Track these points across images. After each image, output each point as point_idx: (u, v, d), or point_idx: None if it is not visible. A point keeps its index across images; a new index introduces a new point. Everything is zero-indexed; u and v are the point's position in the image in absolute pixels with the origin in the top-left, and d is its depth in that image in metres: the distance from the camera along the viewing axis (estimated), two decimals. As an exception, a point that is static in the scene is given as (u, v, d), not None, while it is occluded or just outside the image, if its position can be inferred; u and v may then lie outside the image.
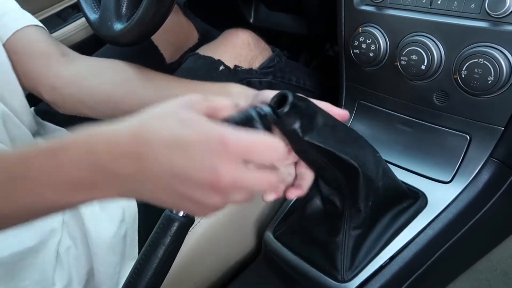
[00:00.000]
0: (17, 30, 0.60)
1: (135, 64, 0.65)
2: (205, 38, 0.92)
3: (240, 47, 0.76)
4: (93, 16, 0.71)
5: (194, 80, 0.63)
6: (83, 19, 1.10)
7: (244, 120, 0.36)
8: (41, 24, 0.65)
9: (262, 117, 0.37)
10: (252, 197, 0.35)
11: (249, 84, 0.75)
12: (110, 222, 0.58)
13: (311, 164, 0.49)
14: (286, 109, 0.40)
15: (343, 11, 0.64)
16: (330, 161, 0.48)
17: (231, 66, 0.73)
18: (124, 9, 0.65)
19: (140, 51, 0.82)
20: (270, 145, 0.33)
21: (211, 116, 0.34)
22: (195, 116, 0.32)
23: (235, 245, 0.72)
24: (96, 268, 0.56)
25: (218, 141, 0.31)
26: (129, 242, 0.61)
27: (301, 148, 0.46)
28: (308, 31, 0.93)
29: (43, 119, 0.72)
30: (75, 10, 1.15)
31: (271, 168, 0.35)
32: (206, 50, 0.75)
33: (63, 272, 0.55)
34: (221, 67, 0.72)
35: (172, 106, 0.33)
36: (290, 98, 0.41)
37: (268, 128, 0.38)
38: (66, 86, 0.63)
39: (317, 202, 0.58)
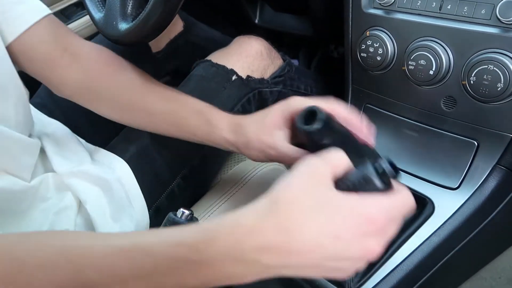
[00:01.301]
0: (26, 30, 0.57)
1: (133, 78, 0.63)
2: (190, 27, 0.92)
3: (253, 57, 0.75)
4: (98, 15, 0.70)
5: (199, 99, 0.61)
6: (87, 17, 1.10)
7: (362, 181, 0.35)
8: (47, 12, 0.60)
9: (381, 174, 0.35)
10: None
11: (260, 94, 0.75)
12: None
13: None
14: (319, 125, 0.43)
15: (350, 14, 0.63)
16: None
17: (244, 76, 0.73)
18: (129, 8, 0.65)
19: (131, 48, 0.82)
20: (405, 201, 0.35)
21: None
22: (330, 194, 0.33)
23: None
24: None
25: (366, 221, 0.32)
26: None
27: None
28: (313, 32, 0.92)
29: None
30: (79, 8, 1.14)
31: None
32: (218, 58, 0.74)
33: None
34: (234, 77, 0.72)
35: (301, 184, 0.33)
36: (321, 115, 0.43)
37: (387, 183, 0.35)
38: (71, 92, 0.62)
39: None
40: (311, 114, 0.45)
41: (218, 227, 0.33)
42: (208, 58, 0.75)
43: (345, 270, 0.34)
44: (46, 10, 0.59)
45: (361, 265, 0.33)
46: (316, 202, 0.32)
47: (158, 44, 0.89)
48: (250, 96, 0.73)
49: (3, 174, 0.53)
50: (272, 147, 0.51)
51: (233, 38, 0.81)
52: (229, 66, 0.72)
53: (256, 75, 0.75)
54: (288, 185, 0.34)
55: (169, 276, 0.33)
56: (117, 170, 0.62)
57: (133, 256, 0.33)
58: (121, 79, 0.63)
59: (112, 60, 0.64)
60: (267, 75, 0.77)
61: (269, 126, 0.51)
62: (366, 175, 0.35)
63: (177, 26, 0.91)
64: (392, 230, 0.34)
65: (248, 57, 0.75)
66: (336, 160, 0.35)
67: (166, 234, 0.34)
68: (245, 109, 0.73)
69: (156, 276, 0.33)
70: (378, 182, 0.34)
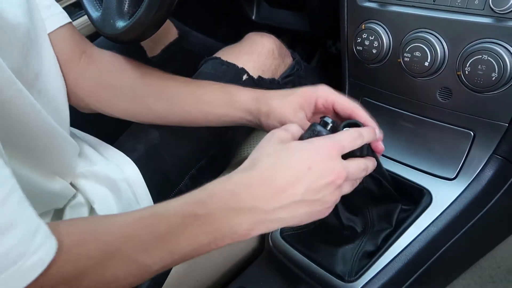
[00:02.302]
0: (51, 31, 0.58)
1: (151, 71, 0.64)
2: (184, 35, 0.91)
3: (265, 57, 0.74)
4: (95, 14, 0.70)
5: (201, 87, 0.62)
6: (85, 17, 1.10)
7: (315, 135, 0.44)
8: (69, 20, 0.62)
9: (329, 127, 0.46)
10: (355, 185, 0.46)
11: None
12: None
13: None
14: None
15: (346, 8, 0.63)
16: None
17: (255, 76, 0.72)
18: (126, 7, 0.65)
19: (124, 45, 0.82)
20: (352, 134, 0.43)
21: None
22: (295, 143, 0.43)
23: (237, 243, 0.72)
24: None
25: (324, 149, 0.40)
26: None
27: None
28: (310, 28, 0.93)
29: None
30: (77, 8, 1.14)
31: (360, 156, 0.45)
32: (228, 55, 0.73)
33: None
34: (245, 77, 0.71)
35: (273, 143, 0.42)
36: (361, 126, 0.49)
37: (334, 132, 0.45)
38: (86, 93, 0.62)
39: (334, 225, 0.59)
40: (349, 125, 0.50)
41: (216, 184, 0.40)
42: (217, 55, 0.74)
43: (323, 200, 0.41)
44: (68, 18, 0.62)
45: (334, 193, 0.41)
46: (287, 149, 0.41)
47: (153, 49, 0.89)
48: None
49: (57, 178, 0.56)
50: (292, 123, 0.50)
51: (227, 40, 0.80)
52: (240, 65, 0.71)
53: (267, 74, 0.74)
54: (262, 146, 0.43)
55: (183, 235, 0.38)
56: (125, 170, 0.63)
57: (150, 222, 0.39)
58: (138, 74, 0.63)
59: (126, 61, 0.65)
60: (278, 74, 0.76)
61: (293, 103, 0.52)
62: (315, 130, 0.44)
63: (171, 34, 0.90)
64: (351, 162, 0.43)
65: (260, 56, 0.74)
66: (294, 128, 0.45)
67: (176, 199, 0.40)
68: None
69: (171, 237, 0.38)
70: (325, 133, 0.44)
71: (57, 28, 0.59)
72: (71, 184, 0.60)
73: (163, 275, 0.60)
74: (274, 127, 0.53)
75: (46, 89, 0.54)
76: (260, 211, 0.39)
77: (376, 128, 0.49)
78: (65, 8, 1.17)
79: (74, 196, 0.60)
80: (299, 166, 0.39)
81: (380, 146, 0.49)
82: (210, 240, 0.39)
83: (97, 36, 1.02)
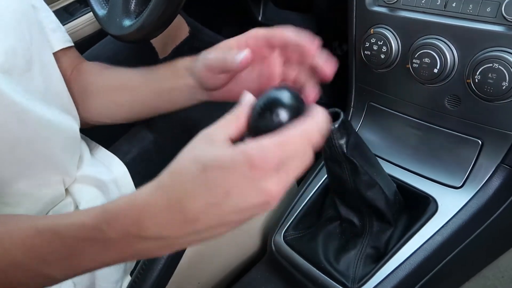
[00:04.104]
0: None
1: (118, 70, 0.63)
2: (195, 33, 0.91)
3: None
4: (101, 12, 0.70)
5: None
6: (91, 13, 1.10)
7: (269, 106, 0.33)
8: (71, 43, 0.65)
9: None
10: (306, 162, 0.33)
11: None
12: None
13: (334, 178, 0.56)
14: (337, 124, 0.49)
15: (354, 11, 0.63)
16: (355, 180, 0.54)
17: None
18: (133, 5, 0.65)
19: (135, 46, 0.82)
20: (299, 136, 0.31)
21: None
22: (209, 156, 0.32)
23: (239, 246, 0.72)
24: (97, 284, 0.56)
25: (251, 167, 0.30)
26: None
27: (334, 161, 0.53)
28: (317, 30, 0.92)
29: None
30: (83, 4, 1.14)
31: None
32: None
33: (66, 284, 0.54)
34: None
35: (184, 159, 0.34)
36: (342, 116, 0.49)
37: (296, 110, 0.33)
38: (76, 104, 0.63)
39: (334, 219, 0.60)
40: (330, 115, 0.48)
41: (116, 208, 0.34)
42: None
43: (252, 215, 0.33)
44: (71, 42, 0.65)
45: (267, 207, 0.32)
46: (204, 166, 0.31)
47: (164, 50, 0.89)
48: None
49: (60, 185, 0.56)
50: (226, 56, 0.46)
51: None
52: None
53: None
54: (183, 154, 0.34)
55: (83, 255, 0.35)
56: (114, 172, 0.63)
57: (46, 238, 0.35)
58: (107, 76, 0.64)
59: (100, 64, 0.65)
60: None
61: (226, 44, 0.47)
62: (270, 99, 0.33)
63: (182, 32, 0.90)
64: (294, 165, 0.31)
65: None
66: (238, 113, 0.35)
67: (75, 216, 0.36)
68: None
69: (71, 256, 0.35)
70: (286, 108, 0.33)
71: (60, 50, 0.62)
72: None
73: (164, 277, 0.60)
74: (215, 85, 0.49)
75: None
76: (168, 238, 0.33)
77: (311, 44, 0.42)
78: (70, 5, 1.17)
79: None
80: (214, 192, 0.31)
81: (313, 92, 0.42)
82: (115, 260, 0.35)
83: (100, 35, 1.02)
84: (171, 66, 0.56)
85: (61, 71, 0.60)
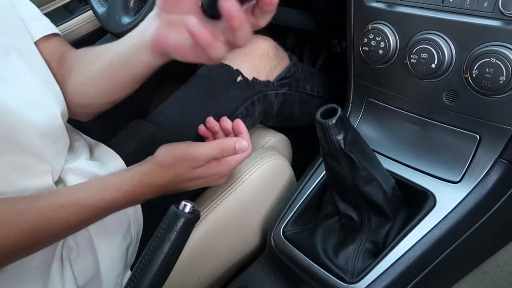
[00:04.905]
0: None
1: (92, 50, 0.62)
2: None
3: (260, 58, 0.74)
4: (100, 9, 0.71)
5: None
6: (90, 12, 1.10)
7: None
8: (54, 31, 0.65)
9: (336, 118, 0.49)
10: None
11: (265, 96, 0.74)
12: (116, 232, 0.58)
13: (332, 173, 0.56)
14: (334, 120, 0.50)
15: (353, 7, 0.63)
16: (353, 176, 0.54)
17: (249, 77, 0.72)
18: (132, 3, 0.65)
19: None
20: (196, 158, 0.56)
21: None
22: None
23: (239, 242, 0.72)
24: (102, 274, 0.57)
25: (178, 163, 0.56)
26: (130, 253, 0.61)
27: (332, 157, 0.54)
28: (316, 27, 0.92)
29: None
30: (82, 3, 1.14)
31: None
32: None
33: (67, 277, 0.55)
34: (239, 78, 0.71)
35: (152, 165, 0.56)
36: (339, 112, 0.50)
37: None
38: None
39: (333, 215, 0.60)
40: (328, 111, 0.52)
41: (131, 187, 0.54)
42: None
43: (214, 182, 0.60)
44: (52, 29, 0.65)
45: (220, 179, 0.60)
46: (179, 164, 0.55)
47: None
48: (254, 99, 0.72)
49: (49, 175, 0.56)
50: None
51: None
52: (235, 66, 0.71)
53: (262, 76, 0.74)
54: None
55: (103, 215, 0.53)
56: (111, 167, 0.63)
57: (73, 210, 0.50)
58: (85, 59, 0.62)
59: (86, 48, 0.64)
60: (273, 75, 0.76)
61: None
62: None
63: None
64: (212, 179, 0.60)
65: (255, 57, 0.74)
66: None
67: (95, 190, 0.52)
68: (248, 112, 0.72)
69: (93, 218, 0.52)
70: None
71: (42, 37, 0.62)
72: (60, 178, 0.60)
73: (164, 272, 0.61)
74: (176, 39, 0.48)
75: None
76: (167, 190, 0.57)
77: None
78: (70, 3, 1.17)
79: None
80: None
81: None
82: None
83: (100, 32, 1.02)
84: (129, 35, 0.54)
85: (45, 58, 0.61)
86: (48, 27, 0.64)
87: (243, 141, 0.58)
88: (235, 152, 0.57)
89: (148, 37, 0.49)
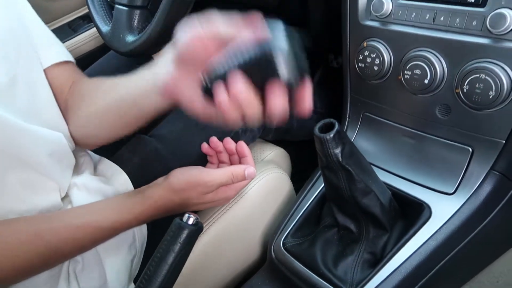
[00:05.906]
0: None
1: (104, 81, 0.62)
2: None
3: None
4: (105, 28, 0.73)
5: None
6: (93, 29, 1.13)
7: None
8: (67, 58, 0.64)
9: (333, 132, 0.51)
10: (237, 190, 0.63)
11: None
12: (121, 244, 0.59)
13: (330, 186, 0.58)
14: (332, 134, 0.52)
15: (348, 26, 0.65)
16: (351, 188, 0.56)
17: None
18: (136, 22, 0.67)
19: (138, 61, 0.83)
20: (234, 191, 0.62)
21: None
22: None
23: (240, 254, 0.73)
24: (108, 286, 0.57)
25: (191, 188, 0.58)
26: (134, 265, 0.62)
27: (330, 169, 0.55)
28: (312, 44, 0.95)
29: None
30: (86, 20, 1.17)
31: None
32: None
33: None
34: None
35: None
36: (337, 126, 0.52)
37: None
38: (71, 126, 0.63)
39: (332, 226, 0.61)
40: (326, 126, 0.54)
41: (144, 210, 0.56)
42: None
43: (220, 204, 0.64)
44: (69, 57, 0.65)
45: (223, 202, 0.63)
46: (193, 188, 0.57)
47: None
48: None
49: (56, 193, 0.57)
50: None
51: None
52: None
53: None
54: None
55: (114, 235, 0.55)
56: (116, 182, 0.64)
57: (89, 231, 0.52)
58: (93, 81, 0.64)
59: (98, 79, 0.64)
60: None
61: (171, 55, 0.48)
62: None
63: None
64: (219, 201, 0.62)
65: None
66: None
67: (109, 212, 0.55)
68: (249, 126, 0.74)
69: (105, 239, 0.55)
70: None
71: (54, 64, 0.61)
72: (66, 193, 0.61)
73: (167, 285, 0.61)
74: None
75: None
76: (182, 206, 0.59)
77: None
78: (73, 21, 1.19)
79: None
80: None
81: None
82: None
83: (103, 50, 1.04)
84: (148, 69, 0.54)
85: (56, 86, 0.61)
86: (62, 54, 0.64)
87: (251, 168, 0.61)
88: (244, 178, 0.60)
89: (160, 81, 0.48)
